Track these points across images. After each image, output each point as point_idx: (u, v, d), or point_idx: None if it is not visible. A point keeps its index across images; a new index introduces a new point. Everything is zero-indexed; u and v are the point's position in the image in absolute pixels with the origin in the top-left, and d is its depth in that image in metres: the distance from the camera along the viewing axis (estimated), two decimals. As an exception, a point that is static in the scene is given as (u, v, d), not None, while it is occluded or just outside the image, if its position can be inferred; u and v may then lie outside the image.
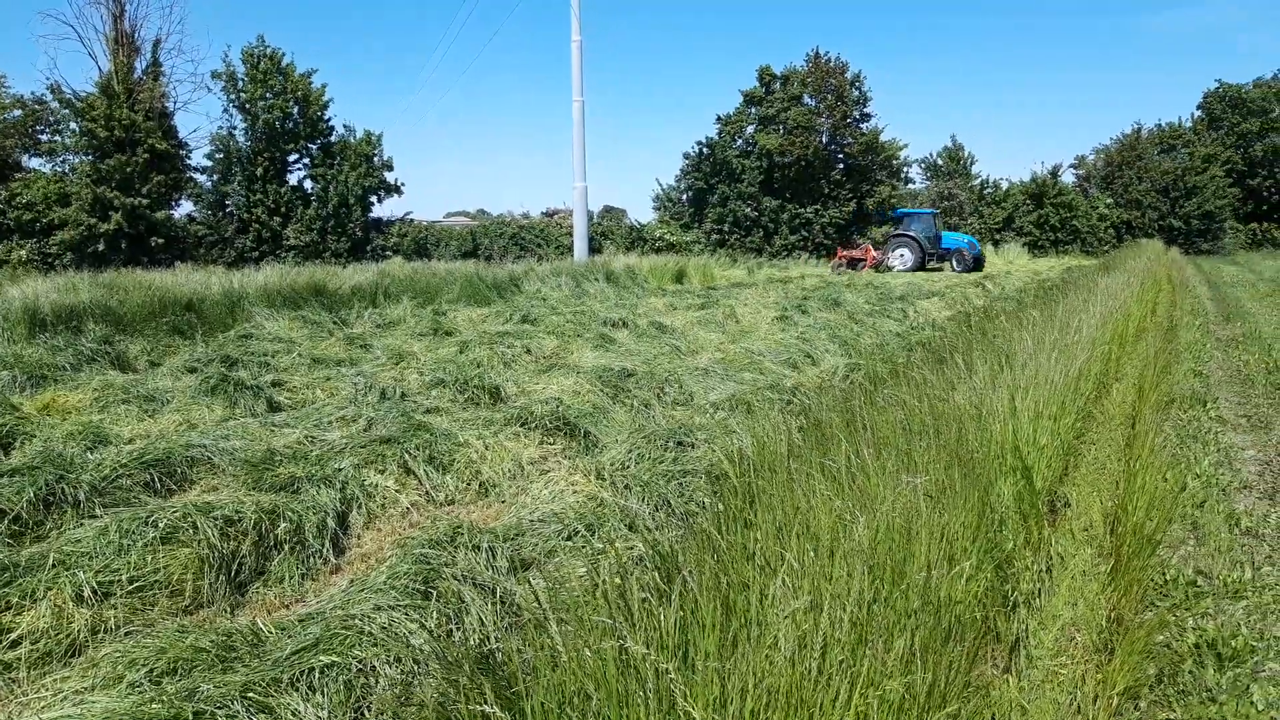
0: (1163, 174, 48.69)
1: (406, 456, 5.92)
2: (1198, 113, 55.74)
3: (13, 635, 3.67)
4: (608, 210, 43.96)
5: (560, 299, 17.86)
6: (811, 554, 2.89)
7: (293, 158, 31.33)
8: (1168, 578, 4.29)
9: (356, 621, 3.58)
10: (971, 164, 50.45)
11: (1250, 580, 4.28)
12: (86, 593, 3.93)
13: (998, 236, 43.96)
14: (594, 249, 31.91)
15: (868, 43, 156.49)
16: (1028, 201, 45.19)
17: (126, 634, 3.80)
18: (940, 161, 51.33)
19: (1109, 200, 48.29)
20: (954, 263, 31.81)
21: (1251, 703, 3.17)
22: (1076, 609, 3.94)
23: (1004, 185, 46.94)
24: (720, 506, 3.91)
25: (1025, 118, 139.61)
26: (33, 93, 28.88)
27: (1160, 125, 53.28)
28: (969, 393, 5.29)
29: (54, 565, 4.06)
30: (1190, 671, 3.43)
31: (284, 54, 30.23)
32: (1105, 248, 44.22)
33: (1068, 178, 49.59)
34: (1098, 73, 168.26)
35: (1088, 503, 5.32)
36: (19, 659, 3.58)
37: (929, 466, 3.85)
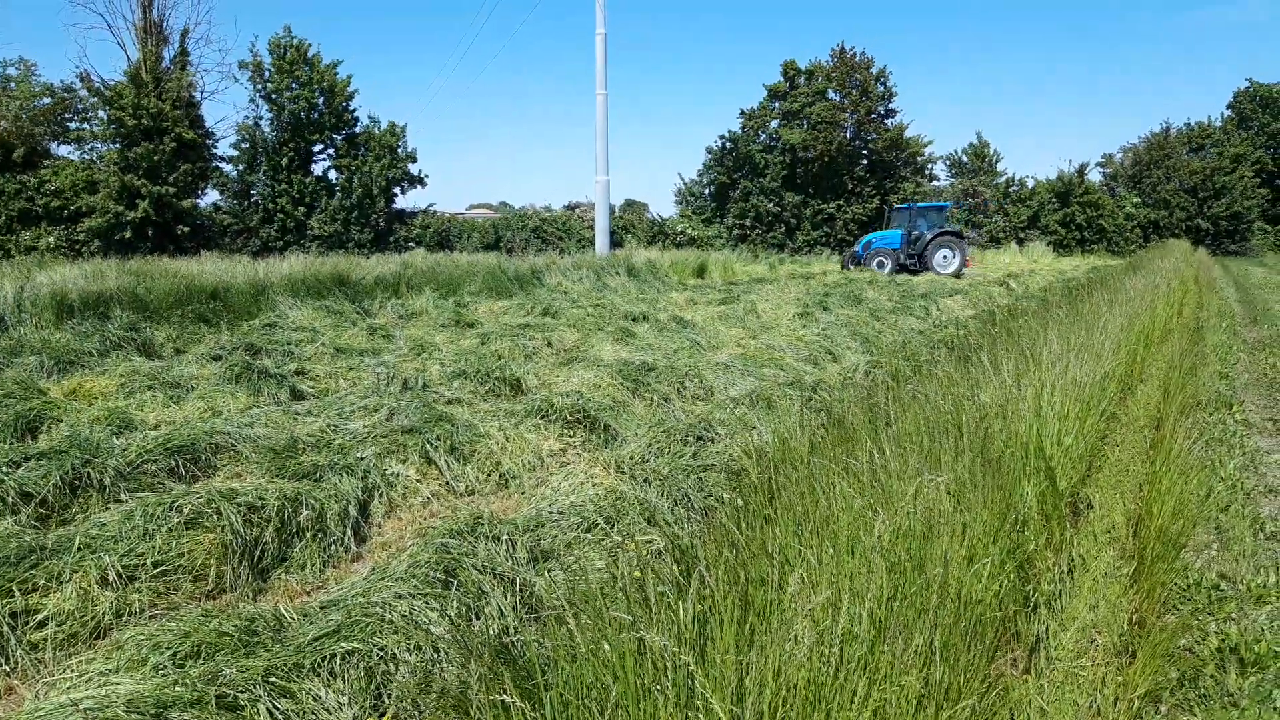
0: (1191, 174, 48.11)
1: (428, 446, 5.95)
2: (1227, 112, 55.15)
3: (39, 616, 3.72)
4: (629, 204, 44.04)
5: (581, 292, 17.87)
6: (831, 550, 2.89)
7: (318, 148, 31.55)
8: (1190, 581, 4.25)
9: (377, 609, 3.61)
10: (997, 161, 50.08)
11: (1274, 585, 4.22)
12: (111, 576, 3.98)
13: (1023, 235, 43.55)
14: (615, 243, 31.91)
15: (894, 38, 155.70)
16: (1054, 200, 44.71)
17: (150, 617, 3.85)
18: (965, 158, 50.97)
19: (1136, 199, 47.78)
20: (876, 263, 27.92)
21: (1275, 708, 3.14)
22: (1098, 611, 3.91)
23: (1030, 183, 46.50)
24: (740, 502, 3.91)
25: (1052, 116, 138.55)
26: (62, 81, 29.34)
27: (1189, 124, 52.75)
28: (993, 392, 5.26)
29: (80, 548, 4.12)
30: (1212, 676, 3.40)
31: (310, 45, 30.43)
32: (1132, 247, 43.75)
33: (1095, 176, 49.18)
34: (1126, 71, 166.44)
35: (1111, 505, 5.28)
36: (45, 640, 3.64)
37: (952, 465, 3.83)
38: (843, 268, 28.38)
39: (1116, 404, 7.27)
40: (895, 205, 33.21)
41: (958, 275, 26.64)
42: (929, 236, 27.74)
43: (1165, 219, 47.76)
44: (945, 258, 27.54)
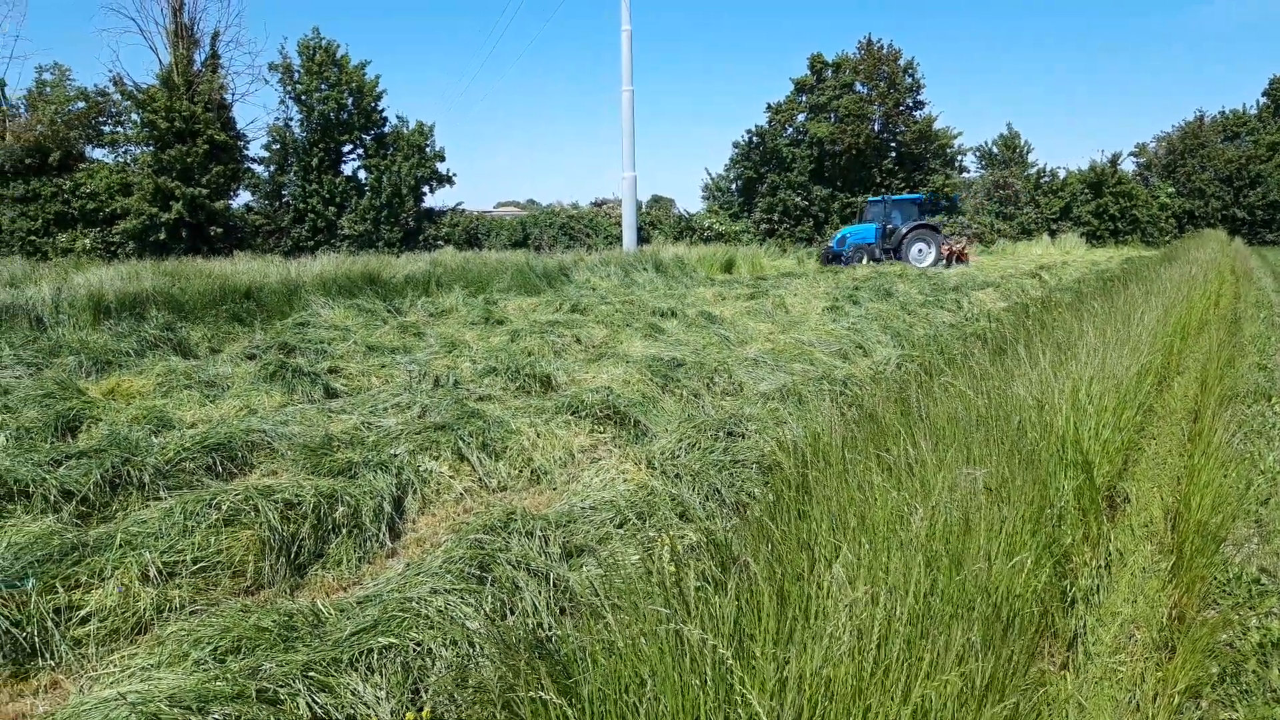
0: (1226, 162, 47.25)
1: (460, 443, 5.99)
2: (1263, 99, 53.92)
3: (82, 612, 3.79)
4: (656, 200, 43.80)
5: (609, 288, 17.89)
6: (867, 545, 2.87)
7: (347, 148, 31.76)
8: (1230, 575, 4.18)
9: (413, 604, 3.64)
10: (1028, 152, 49.33)
11: (1319, 580, 4.16)
12: (152, 572, 4.04)
13: (1055, 226, 43.02)
14: (643, 239, 31.90)
15: (922, 30, 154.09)
16: (1086, 190, 44.11)
17: (191, 613, 3.90)
18: (995, 150, 50.33)
19: (1170, 189, 47.03)
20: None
21: (1320, 704, 3.09)
22: (1136, 606, 3.87)
23: (1061, 174, 45.87)
24: (773, 497, 3.90)
25: (1084, 105, 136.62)
26: (96, 85, 29.63)
27: (1224, 112, 51.69)
28: (1028, 385, 5.21)
29: (121, 545, 4.18)
30: (1254, 671, 3.35)
31: (339, 46, 30.64)
32: (1166, 238, 43.11)
33: (1128, 166, 48.39)
34: (1160, 59, 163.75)
35: (1148, 498, 5.21)
36: (88, 635, 3.70)
37: (986, 459, 3.80)
38: (821, 264, 28.08)
39: (1153, 396, 7.17)
40: (869, 199, 32.73)
41: (946, 264, 26.37)
42: (904, 230, 27.57)
43: (1200, 209, 46.98)
44: (920, 251, 27.31)
